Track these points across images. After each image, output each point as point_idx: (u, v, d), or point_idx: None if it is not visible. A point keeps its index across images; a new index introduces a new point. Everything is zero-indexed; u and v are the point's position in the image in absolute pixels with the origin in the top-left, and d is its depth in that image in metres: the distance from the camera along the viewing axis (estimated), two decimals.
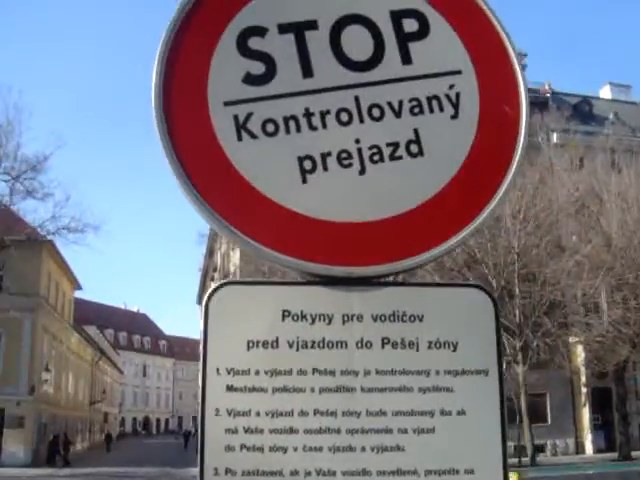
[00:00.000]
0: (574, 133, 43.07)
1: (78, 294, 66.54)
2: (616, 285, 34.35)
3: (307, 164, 2.21)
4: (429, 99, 2.31)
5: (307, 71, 2.29)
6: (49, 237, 40.35)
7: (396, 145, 2.25)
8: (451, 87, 2.33)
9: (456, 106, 2.32)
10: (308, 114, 2.24)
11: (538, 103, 48.22)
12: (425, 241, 2.21)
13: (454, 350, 2.15)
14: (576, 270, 33.42)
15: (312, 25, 2.33)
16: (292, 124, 2.23)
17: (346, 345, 2.12)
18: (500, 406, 2.15)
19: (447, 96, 2.32)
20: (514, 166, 2.29)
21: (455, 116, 2.31)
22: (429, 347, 2.14)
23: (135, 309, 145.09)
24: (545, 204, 33.34)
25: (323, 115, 2.25)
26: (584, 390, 41.86)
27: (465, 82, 2.35)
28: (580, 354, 39.30)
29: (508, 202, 32.36)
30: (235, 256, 48.18)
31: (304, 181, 2.20)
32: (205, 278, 75.24)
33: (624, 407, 37.31)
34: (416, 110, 2.29)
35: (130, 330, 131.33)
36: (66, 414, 57.37)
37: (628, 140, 45.69)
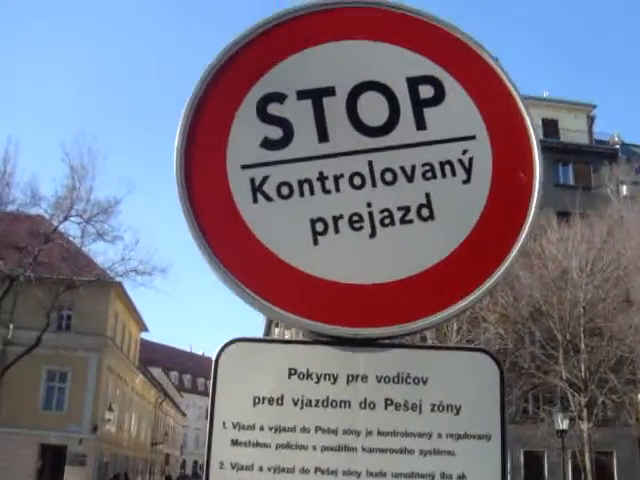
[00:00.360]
0: None
1: (144, 336, 67.49)
2: None
3: (319, 226, 2.27)
4: (442, 164, 2.35)
5: (323, 136, 2.36)
6: (118, 279, 41.10)
7: (407, 209, 2.30)
8: (464, 152, 2.37)
9: (469, 171, 2.36)
10: (322, 178, 2.31)
11: (607, 155, 47.59)
12: (433, 304, 2.24)
13: (457, 414, 2.17)
14: None
15: (330, 91, 2.41)
16: (306, 187, 2.30)
17: (349, 405, 2.16)
18: (502, 472, 2.14)
19: (460, 161, 2.36)
20: (525, 230, 2.31)
21: (467, 181, 2.35)
22: (432, 410, 2.16)
23: (200, 352, 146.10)
24: (613, 257, 32.67)
25: (337, 179, 2.32)
26: None
27: (479, 147, 2.38)
28: None
29: (575, 255, 31.81)
30: None
31: (315, 243, 2.26)
32: (270, 324, 75.47)
33: None
34: (428, 175, 2.34)
35: (195, 373, 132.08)
36: (127, 454, 57.87)
37: None
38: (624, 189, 43.85)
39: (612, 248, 33.17)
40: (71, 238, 38.01)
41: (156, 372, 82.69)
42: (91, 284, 37.93)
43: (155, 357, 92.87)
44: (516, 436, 33.33)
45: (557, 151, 47.17)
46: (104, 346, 46.72)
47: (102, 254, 51.58)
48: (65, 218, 36.49)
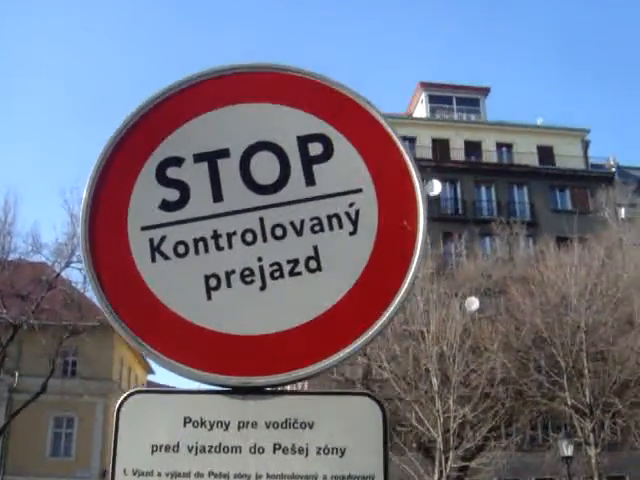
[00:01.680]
0: None
1: (151, 378, 67.30)
2: None
3: (212, 282, 2.42)
4: (329, 217, 2.49)
5: (217, 196, 2.52)
6: None
7: (296, 261, 2.44)
8: (351, 205, 2.51)
9: (355, 223, 2.49)
10: (216, 236, 2.47)
11: (604, 178, 47.80)
12: (319, 352, 2.36)
13: (341, 456, 2.28)
14: None
15: (224, 153, 2.57)
16: (201, 245, 2.46)
17: (240, 450, 2.29)
18: None
19: (347, 214, 2.50)
20: (409, 277, 2.44)
21: (354, 232, 2.48)
22: (317, 453, 2.28)
23: None
24: (612, 280, 32.59)
25: (229, 236, 2.46)
26: None
27: (365, 200, 2.52)
28: None
29: (574, 280, 31.76)
30: None
31: (209, 298, 2.41)
32: None
33: None
34: (316, 228, 2.48)
35: None
36: None
37: None
38: (622, 212, 43.94)
39: (611, 271, 33.14)
40: (73, 284, 38.13)
41: None
42: (95, 329, 37.77)
43: None
44: (524, 464, 33.10)
45: (553, 177, 47.47)
46: (110, 391, 46.60)
47: None
48: (67, 264, 36.56)
